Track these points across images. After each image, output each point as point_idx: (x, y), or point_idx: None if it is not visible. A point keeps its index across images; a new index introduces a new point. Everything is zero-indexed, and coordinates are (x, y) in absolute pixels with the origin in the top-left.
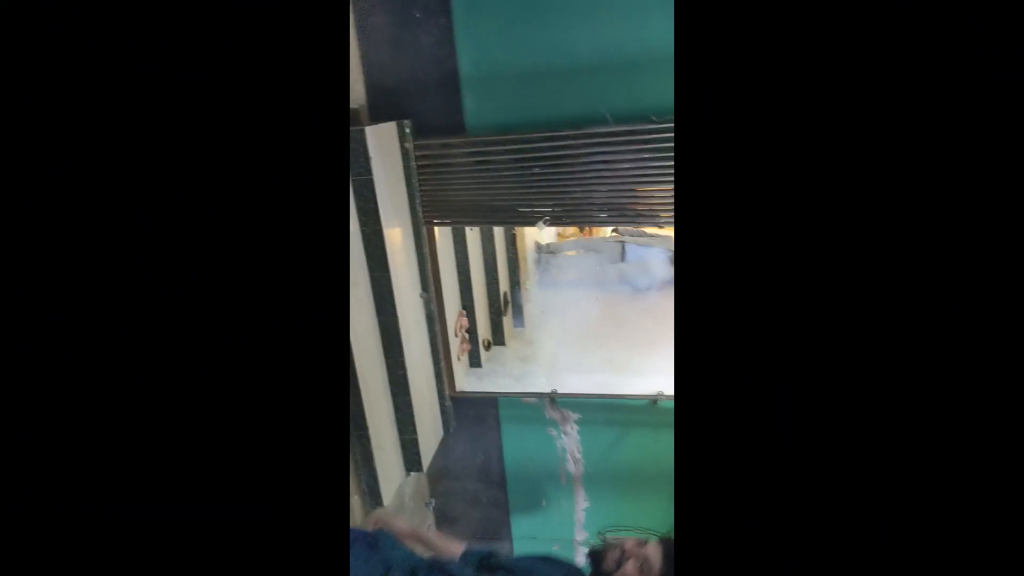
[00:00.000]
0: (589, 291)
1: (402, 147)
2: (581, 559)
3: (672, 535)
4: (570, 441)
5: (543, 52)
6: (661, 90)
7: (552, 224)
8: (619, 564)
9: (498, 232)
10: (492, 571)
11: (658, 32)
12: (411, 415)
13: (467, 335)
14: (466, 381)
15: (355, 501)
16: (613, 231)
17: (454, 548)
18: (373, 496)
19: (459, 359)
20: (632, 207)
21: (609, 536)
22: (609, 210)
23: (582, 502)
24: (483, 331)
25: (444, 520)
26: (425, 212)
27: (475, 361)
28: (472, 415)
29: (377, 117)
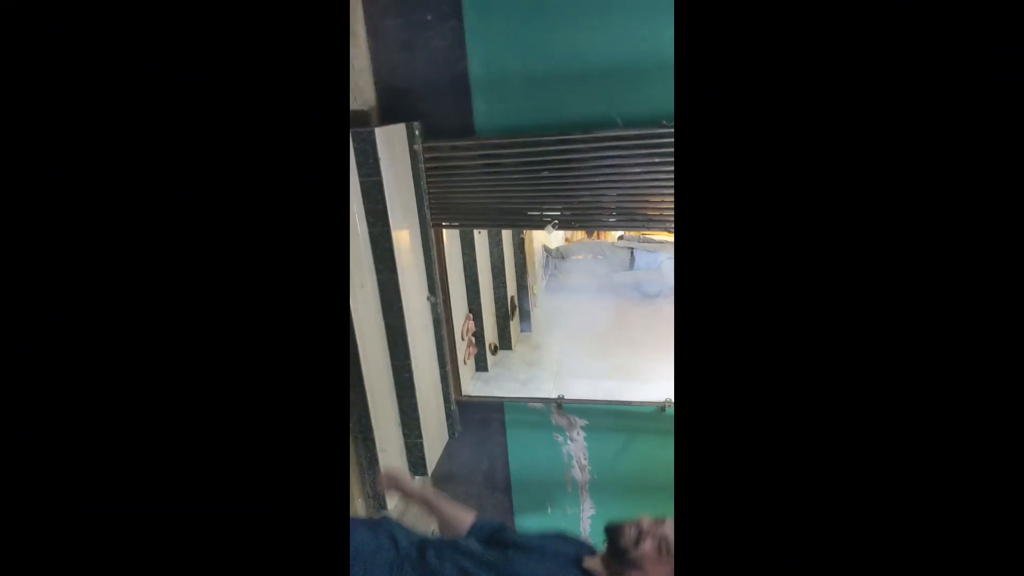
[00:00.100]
0: (597, 296)
1: (411, 149)
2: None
3: None
4: (576, 447)
5: (554, 55)
6: (671, 94)
7: (561, 228)
8: (636, 542)
9: (506, 236)
10: (502, 547)
11: (668, 36)
12: (416, 418)
13: (474, 339)
14: (472, 385)
15: (359, 504)
16: (620, 237)
17: (463, 516)
18: (377, 499)
19: (465, 363)
20: (642, 211)
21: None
22: (619, 214)
23: (588, 509)
24: (490, 335)
25: None
26: (433, 214)
27: (481, 365)
28: (478, 419)
29: (387, 118)
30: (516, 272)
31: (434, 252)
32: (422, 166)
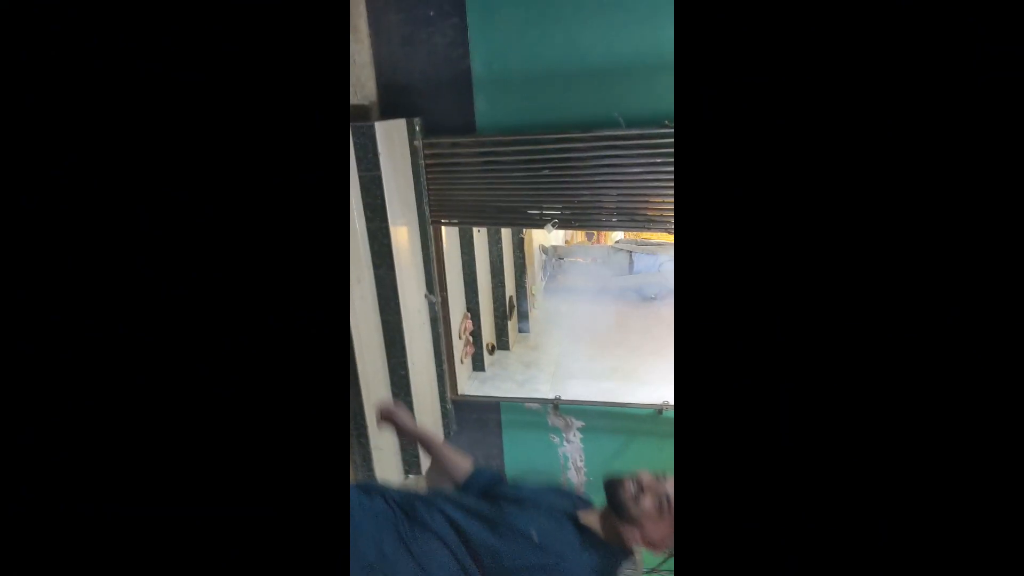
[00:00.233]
0: (596, 297)
1: (411, 144)
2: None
3: None
4: (572, 449)
5: (556, 54)
6: (672, 94)
7: (560, 227)
8: (636, 499)
9: (505, 235)
10: (495, 499)
11: (669, 36)
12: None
13: (471, 338)
14: (468, 384)
15: None
16: (617, 241)
17: (461, 462)
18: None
19: (462, 362)
20: (642, 212)
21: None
22: (619, 214)
23: None
24: (487, 335)
25: None
26: (432, 211)
27: (478, 365)
28: (473, 419)
29: (388, 114)
30: (515, 272)
31: (433, 249)
32: (422, 162)
